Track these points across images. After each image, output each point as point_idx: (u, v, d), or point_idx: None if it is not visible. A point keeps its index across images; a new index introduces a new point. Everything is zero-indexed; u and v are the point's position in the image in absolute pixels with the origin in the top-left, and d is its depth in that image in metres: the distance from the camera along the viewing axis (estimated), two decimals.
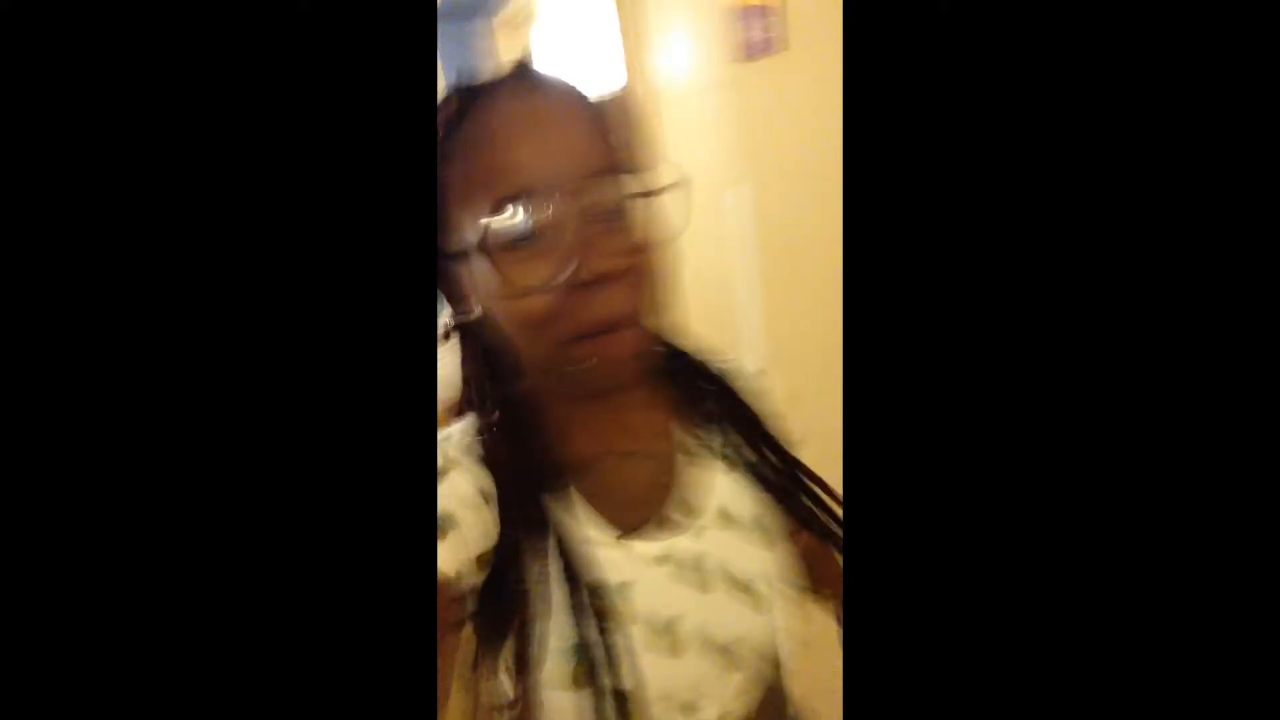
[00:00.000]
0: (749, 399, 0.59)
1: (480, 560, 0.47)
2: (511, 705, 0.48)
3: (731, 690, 0.54)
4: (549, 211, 0.43)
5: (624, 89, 1.91)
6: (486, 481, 0.49)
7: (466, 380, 0.53)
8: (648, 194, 0.46)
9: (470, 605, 0.47)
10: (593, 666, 0.46)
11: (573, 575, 0.48)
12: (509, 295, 0.44)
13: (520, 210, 0.42)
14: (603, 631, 0.47)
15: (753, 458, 0.58)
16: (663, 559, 0.52)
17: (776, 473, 0.57)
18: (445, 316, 0.51)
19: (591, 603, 0.47)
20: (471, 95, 0.46)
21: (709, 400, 0.58)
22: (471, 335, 0.52)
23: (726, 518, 0.56)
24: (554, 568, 0.48)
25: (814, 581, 0.63)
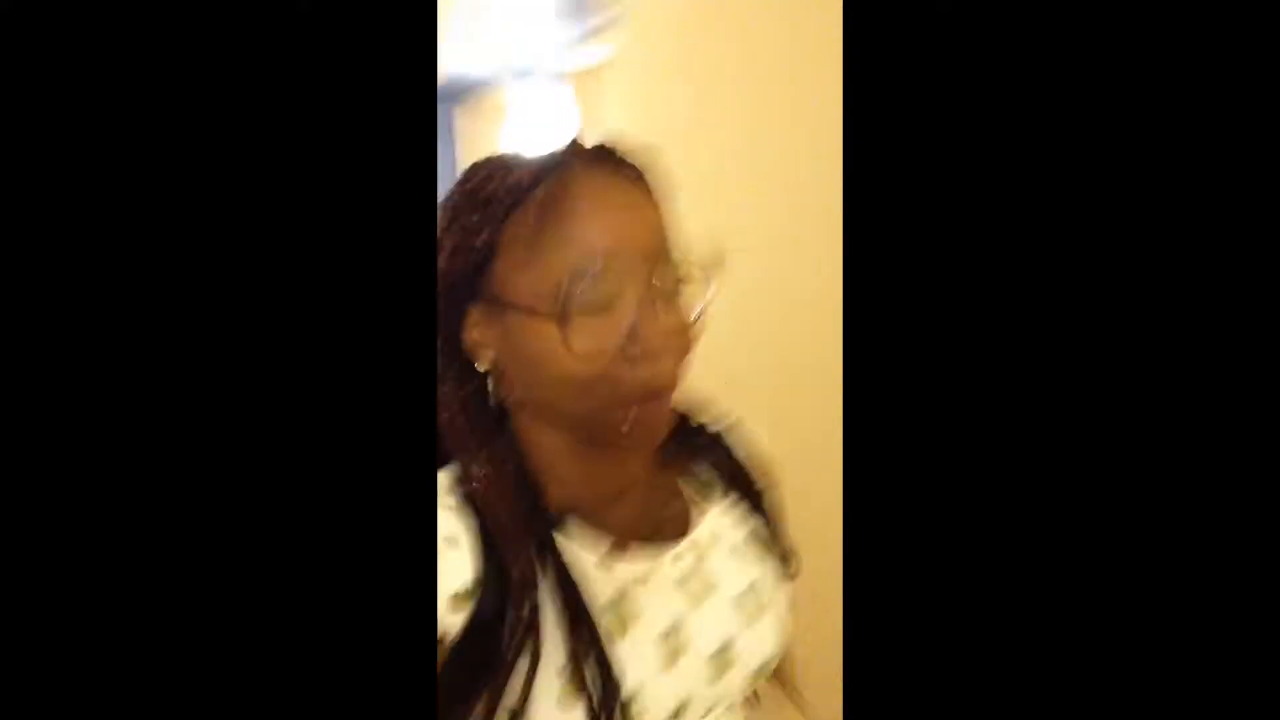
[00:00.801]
0: (740, 452, 0.64)
1: (457, 599, 0.47)
2: None
3: (727, 699, 0.54)
4: (619, 284, 0.47)
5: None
6: (469, 522, 0.49)
7: (451, 426, 0.53)
8: (700, 274, 0.51)
9: (450, 640, 0.47)
10: (584, 682, 0.47)
11: (565, 594, 0.49)
12: (568, 357, 0.47)
13: (593, 280, 0.46)
14: (596, 646, 0.48)
15: (747, 509, 0.62)
16: (655, 572, 0.53)
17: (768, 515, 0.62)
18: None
19: (585, 619, 0.48)
20: (550, 165, 0.49)
21: (701, 454, 0.63)
22: (457, 383, 0.53)
23: (718, 536, 0.58)
24: (545, 591, 0.48)
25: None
